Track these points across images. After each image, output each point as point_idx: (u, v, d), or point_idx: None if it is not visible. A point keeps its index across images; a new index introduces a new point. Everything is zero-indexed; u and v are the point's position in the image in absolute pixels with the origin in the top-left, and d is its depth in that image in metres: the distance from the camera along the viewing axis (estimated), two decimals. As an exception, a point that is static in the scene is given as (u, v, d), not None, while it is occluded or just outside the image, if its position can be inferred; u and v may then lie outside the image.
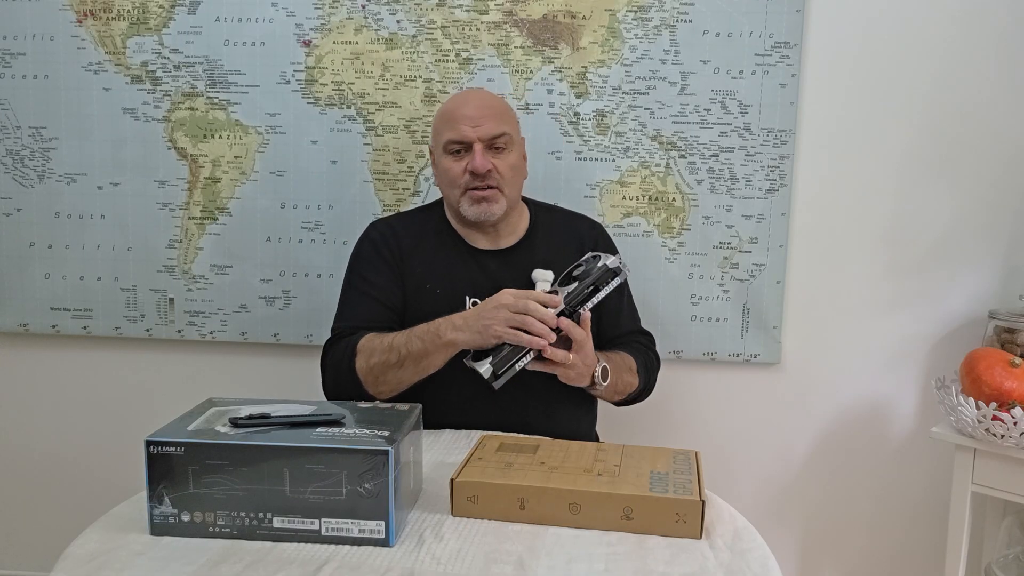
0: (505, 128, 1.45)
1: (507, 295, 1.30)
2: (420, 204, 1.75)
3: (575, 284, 1.34)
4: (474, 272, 1.49)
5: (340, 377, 1.41)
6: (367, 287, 1.49)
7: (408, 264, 1.49)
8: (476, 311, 1.32)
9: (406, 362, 1.35)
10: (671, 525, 0.99)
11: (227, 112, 1.82)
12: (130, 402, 1.95)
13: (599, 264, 1.35)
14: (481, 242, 1.51)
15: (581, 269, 1.38)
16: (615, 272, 1.34)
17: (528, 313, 1.27)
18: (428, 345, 1.34)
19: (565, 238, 1.55)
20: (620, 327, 1.56)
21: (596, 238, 1.57)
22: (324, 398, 1.45)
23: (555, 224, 1.57)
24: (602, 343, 1.51)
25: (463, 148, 1.45)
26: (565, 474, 1.06)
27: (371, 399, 1.38)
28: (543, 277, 1.47)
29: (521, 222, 1.54)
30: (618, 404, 1.53)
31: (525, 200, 1.58)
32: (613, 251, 1.57)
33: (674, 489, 1.01)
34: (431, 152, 1.55)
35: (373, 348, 1.39)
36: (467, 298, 1.47)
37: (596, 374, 1.37)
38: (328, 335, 1.50)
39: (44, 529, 2.01)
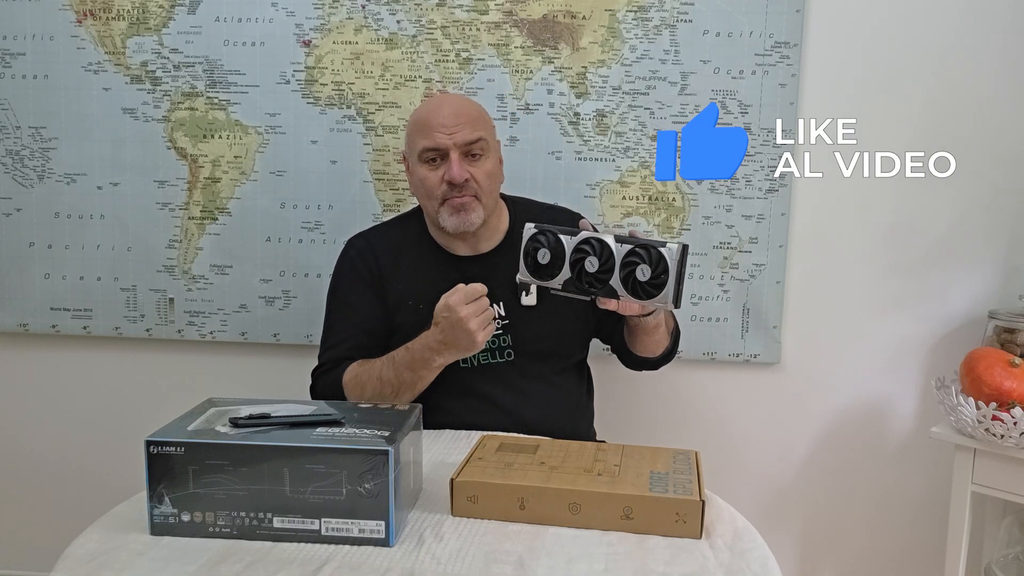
0: (481, 133, 1.43)
1: (458, 304, 1.29)
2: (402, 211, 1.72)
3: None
4: (456, 282, 1.45)
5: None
6: (348, 312, 1.49)
7: (388, 281, 1.49)
8: (448, 328, 1.31)
9: (401, 390, 1.38)
10: (671, 525, 0.99)
11: (227, 112, 1.82)
12: (130, 402, 1.95)
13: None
14: (461, 248, 1.50)
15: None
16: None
17: (476, 312, 1.30)
18: (420, 371, 1.37)
19: None
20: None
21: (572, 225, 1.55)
22: (324, 398, 1.46)
23: (532, 218, 1.54)
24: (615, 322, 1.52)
25: (439, 156, 1.42)
26: (565, 474, 1.06)
27: None
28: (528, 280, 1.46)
29: (500, 224, 1.53)
30: (648, 363, 1.53)
31: (504, 197, 1.56)
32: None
33: (674, 489, 1.01)
34: (404, 159, 1.52)
35: (363, 383, 1.40)
36: None
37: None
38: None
39: (44, 529, 2.01)
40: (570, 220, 1.52)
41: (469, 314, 1.29)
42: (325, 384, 1.46)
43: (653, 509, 0.99)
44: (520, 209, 1.56)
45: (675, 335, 1.54)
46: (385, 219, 1.77)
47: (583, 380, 1.59)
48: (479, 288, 1.31)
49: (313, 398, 1.48)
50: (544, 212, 1.58)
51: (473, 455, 1.13)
